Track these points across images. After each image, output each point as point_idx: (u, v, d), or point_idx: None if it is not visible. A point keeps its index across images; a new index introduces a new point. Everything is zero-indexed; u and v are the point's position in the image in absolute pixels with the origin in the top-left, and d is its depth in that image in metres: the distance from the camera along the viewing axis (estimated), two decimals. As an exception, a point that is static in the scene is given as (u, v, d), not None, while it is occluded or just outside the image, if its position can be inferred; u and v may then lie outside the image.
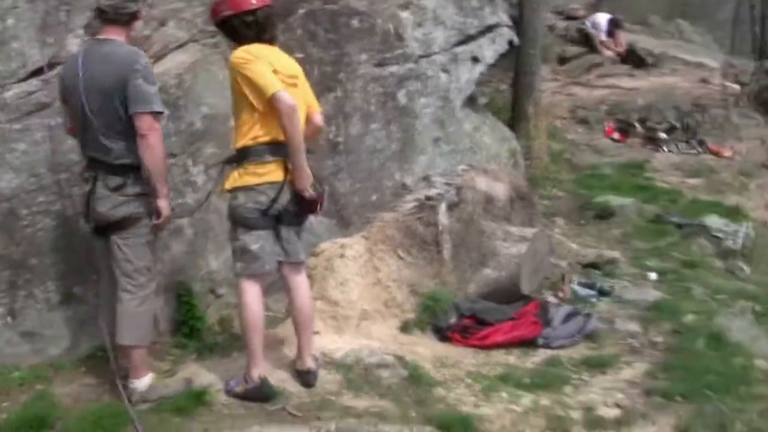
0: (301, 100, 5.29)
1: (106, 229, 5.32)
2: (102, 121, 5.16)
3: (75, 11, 6.05)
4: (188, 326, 6.36)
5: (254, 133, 5.15)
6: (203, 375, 5.60)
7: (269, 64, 5.10)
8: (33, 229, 5.90)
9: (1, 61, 5.80)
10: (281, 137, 5.13)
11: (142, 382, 5.37)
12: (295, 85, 5.30)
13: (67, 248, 6.01)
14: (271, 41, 5.36)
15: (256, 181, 5.20)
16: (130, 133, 5.14)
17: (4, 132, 5.81)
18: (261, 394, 5.31)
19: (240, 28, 5.29)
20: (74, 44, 6.02)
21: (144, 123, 5.09)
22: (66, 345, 6.11)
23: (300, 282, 5.51)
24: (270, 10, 5.35)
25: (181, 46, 6.66)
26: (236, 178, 5.27)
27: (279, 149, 5.18)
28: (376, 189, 8.06)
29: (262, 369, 5.36)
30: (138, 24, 5.46)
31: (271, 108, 5.05)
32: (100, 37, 5.29)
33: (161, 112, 5.24)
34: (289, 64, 5.39)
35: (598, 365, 6.26)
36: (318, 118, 5.61)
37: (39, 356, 6.02)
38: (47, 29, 5.96)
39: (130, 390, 5.35)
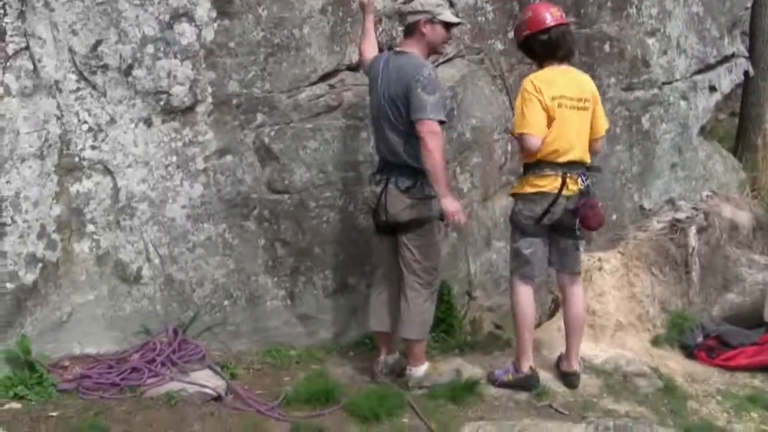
0: (584, 125, 5.68)
1: (395, 228, 5.74)
2: (392, 126, 5.62)
3: (357, 23, 6.47)
4: (446, 324, 6.72)
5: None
6: (469, 369, 6.03)
7: (543, 101, 5.52)
8: (319, 221, 6.41)
9: (297, 65, 6.30)
10: (557, 155, 5.55)
11: (420, 370, 5.82)
12: (585, 109, 5.67)
13: (346, 241, 6.51)
14: (564, 58, 5.74)
15: (532, 191, 5.60)
16: (415, 137, 5.53)
17: (298, 130, 6.33)
18: (529, 384, 5.77)
19: (536, 47, 5.74)
20: (355, 53, 6.49)
21: (422, 128, 5.46)
22: (336, 330, 6.63)
23: (576, 292, 5.89)
24: (565, 28, 5.74)
25: (448, 60, 7.03)
26: (517, 187, 5.72)
27: (557, 165, 5.57)
28: (617, 209, 8.28)
29: (531, 362, 5.75)
30: (434, 39, 5.76)
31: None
32: (399, 49, 5.81)
33: (439, 120, 5.52)
34: (579, 87, 5.71)
35: (841, 397, 6.35)
36: (597, 145, 5.93)
37: (312, 338, 6.56)
38: (335, 38, 6.45)
39: (407, 376, 5.81)
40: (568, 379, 5.87)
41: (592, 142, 5.79)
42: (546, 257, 5.76)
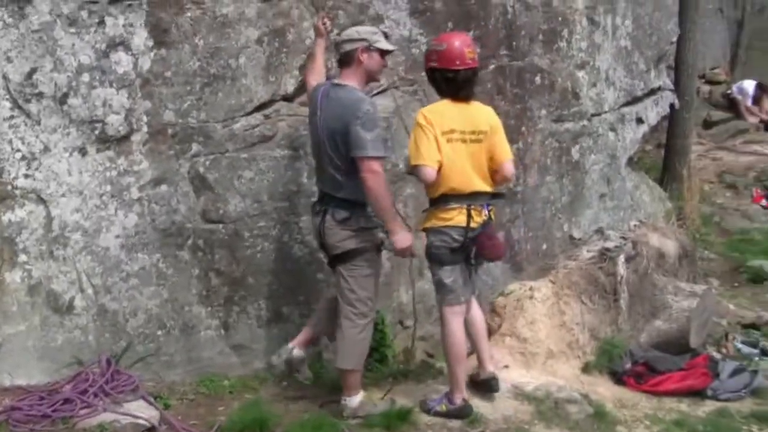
0: (479, 157, 5.73)
1: (333, 259, 5.80)
2: (331, 159, 5.67)
3: (292, 54, 6.55)
4: (380, 353, 6.74)
5: (437, 183, 5.68)
6: (402, 398, 6.04)
7: (434, 133, 5.57)
8: (253, 250, 6.43)
9: (233, 95, 6.34)
10: (457, 189, 5.65)
11: (354, 399, 5.82)
12: (478, 141, 5.72)
13: (280, 270, 6.53)
14: (465, 98, 5.79)
15: (440, 224, 5.73)
16: (354, 171, 5.60)
17: (233, 160, 6.36)
18: (463, 413, 5.80)
19: (440, 81, 5.81)
20: (290, 84, 6.58)
21: (362, 166, 5.53)
22: (270, 360, 6.58)
23: (470, 302, 5.99)
24: (471, 72, 5.77)
25: (383, 91, 7.10)
26: (425, 221, 5.86)
27: (462, 198, 5.67)
28: (547, 238, 8.44)
29: (464, 394, 5.82)
30: (371, 67, 5.83)
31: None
32: (336, 81, 5.85)
33: (378, 157, 5.58)
34: (473, 120, 5.75)
35: (766, 419, 6.53)
36: (504, 172, 5.90)
37: (245, 368, 6.54)
38: (270, 69, 6.50)
39: (342, 406, 5.82)
40: (488, 384, 6.00)
41: (496, 170, 5.83)
42: (468, 280, 5.83)
